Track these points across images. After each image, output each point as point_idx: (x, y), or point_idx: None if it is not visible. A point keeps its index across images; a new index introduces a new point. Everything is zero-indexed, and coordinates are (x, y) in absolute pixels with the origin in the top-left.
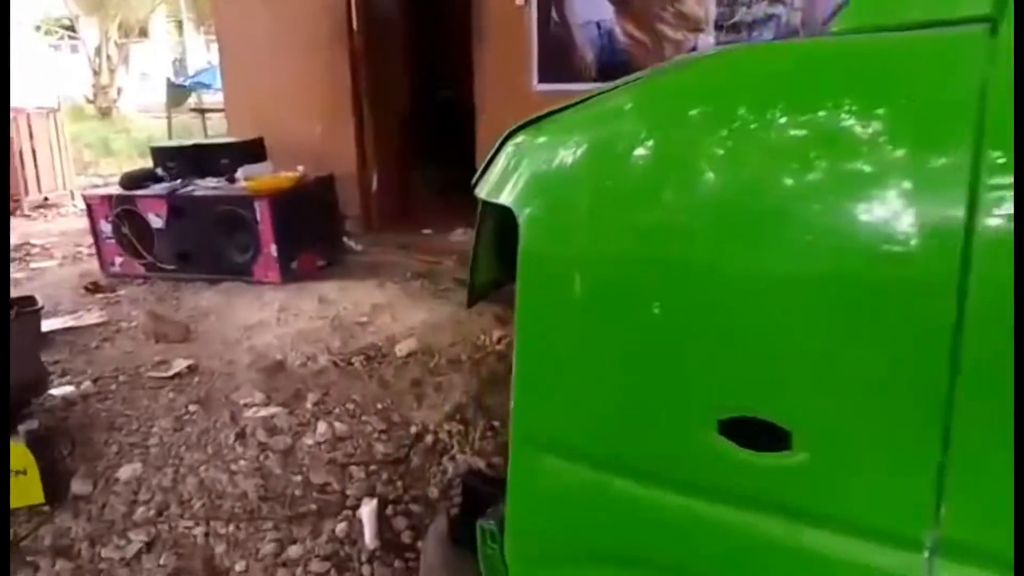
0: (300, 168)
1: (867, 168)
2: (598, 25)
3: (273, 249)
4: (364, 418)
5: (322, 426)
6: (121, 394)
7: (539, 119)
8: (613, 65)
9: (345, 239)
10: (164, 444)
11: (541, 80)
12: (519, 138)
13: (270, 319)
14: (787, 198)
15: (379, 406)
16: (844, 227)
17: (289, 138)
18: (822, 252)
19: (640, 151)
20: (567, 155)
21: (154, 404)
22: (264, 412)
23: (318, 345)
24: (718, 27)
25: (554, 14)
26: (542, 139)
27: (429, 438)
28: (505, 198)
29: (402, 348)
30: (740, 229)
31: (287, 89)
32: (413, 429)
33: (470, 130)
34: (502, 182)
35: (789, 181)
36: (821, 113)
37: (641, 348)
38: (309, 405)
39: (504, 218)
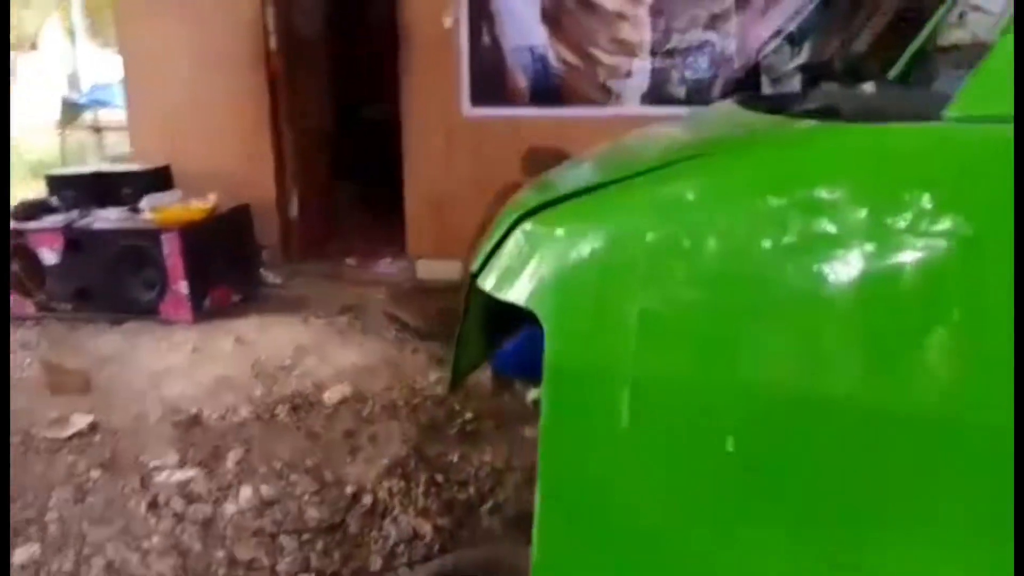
0: (212, 196)
1: None
2: (531, 50)
3: (183, 285)
4: (293, 478)
5: (246, 490)
6: (12, 460)
7: (548, 204)
8: (547, 90)
9: (262, 271)
10: (64, 519)
11: (474, 104)
12: (528, 226)
13: (181, 364)
14: (923, 327)
15: (309, 463)
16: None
17: (200, 163)
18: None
19: (719, 253)
20: (602, 251)
21: (51, 470)
22: (179, 475)
23: (237, 394)
24: (653, 53)
25: (485, 37)
26: (560, 230)
27: (367, 498)
28: (518, 295)
29: (331, 395)
30: (875, 356)
31: (198, 110)
32: (348, 489)
33: (397, 150)
34: (511, 275)
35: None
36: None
37: (710, 495)
38: (230, 465)
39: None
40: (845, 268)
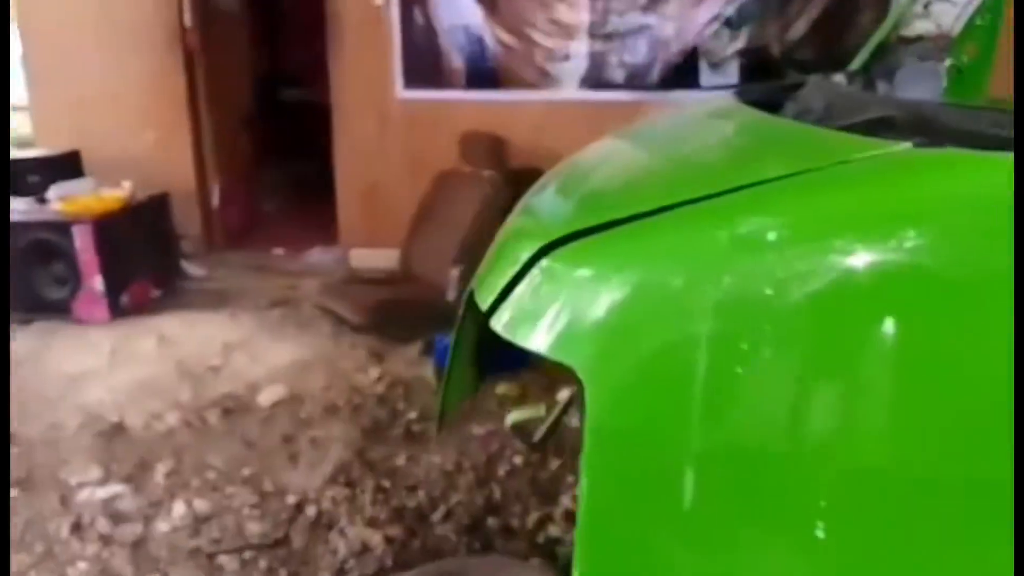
0: (126, 184)
1: None
2: (466, 30)
3: (97, 281)
4: (229, 490)
5: (179, 506)
6: None
7: (568, 238)
8: (484, 72)
9: (184, 263)
10: None
11: (407, 86)
12: (547, 262)
13: (100, 367)
14: None
15: (246, 472)
16: None
17: (112, 148)
18: None
19: (810, 307)
20: (655, 296)
21: None
22: (103, 492)
23: (163, 398)
24: (591, 35)
25: (418, 16)
26: (587, 270)
27: (311, 509)
28: (541, 343)
29: (266, 396)
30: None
31: (108, 90)
32: (291, 499)
33: (325, 133)
34: (530, 319)
35: None
36: None
37: None
38: (159, 479)
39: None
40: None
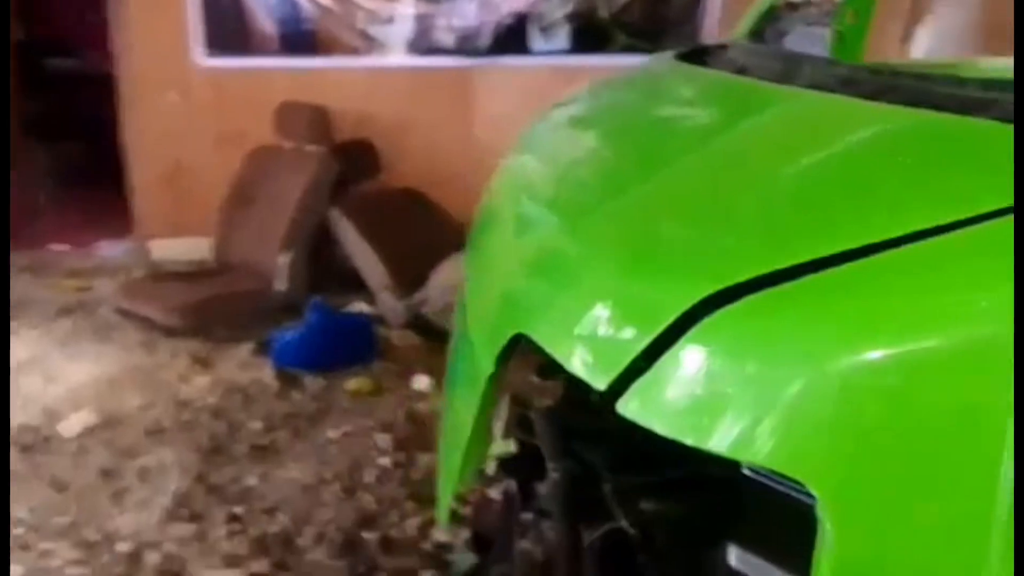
0: None
1: None
2: None
3: None
4: (44, 546)
5: None
6: None
7: (750, 286)
8: (299, 37)
9: None
10: None
11: (210, 53)
12: (717, 317)
13: None
14: None
15: (62, 521)
16: None
17: None
18: None
19: None
20: (938, 382)
21: None
22: None
23: None
24: None
25: None
26: (821, 342)
27: (152, 556)
28: (727, 442)
29: (71, 425)
30: None
31: None
32: (123, 547)
33: (107, 108)
34: (701, 406)
35: None
36: None
37: None
38: None
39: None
40: None
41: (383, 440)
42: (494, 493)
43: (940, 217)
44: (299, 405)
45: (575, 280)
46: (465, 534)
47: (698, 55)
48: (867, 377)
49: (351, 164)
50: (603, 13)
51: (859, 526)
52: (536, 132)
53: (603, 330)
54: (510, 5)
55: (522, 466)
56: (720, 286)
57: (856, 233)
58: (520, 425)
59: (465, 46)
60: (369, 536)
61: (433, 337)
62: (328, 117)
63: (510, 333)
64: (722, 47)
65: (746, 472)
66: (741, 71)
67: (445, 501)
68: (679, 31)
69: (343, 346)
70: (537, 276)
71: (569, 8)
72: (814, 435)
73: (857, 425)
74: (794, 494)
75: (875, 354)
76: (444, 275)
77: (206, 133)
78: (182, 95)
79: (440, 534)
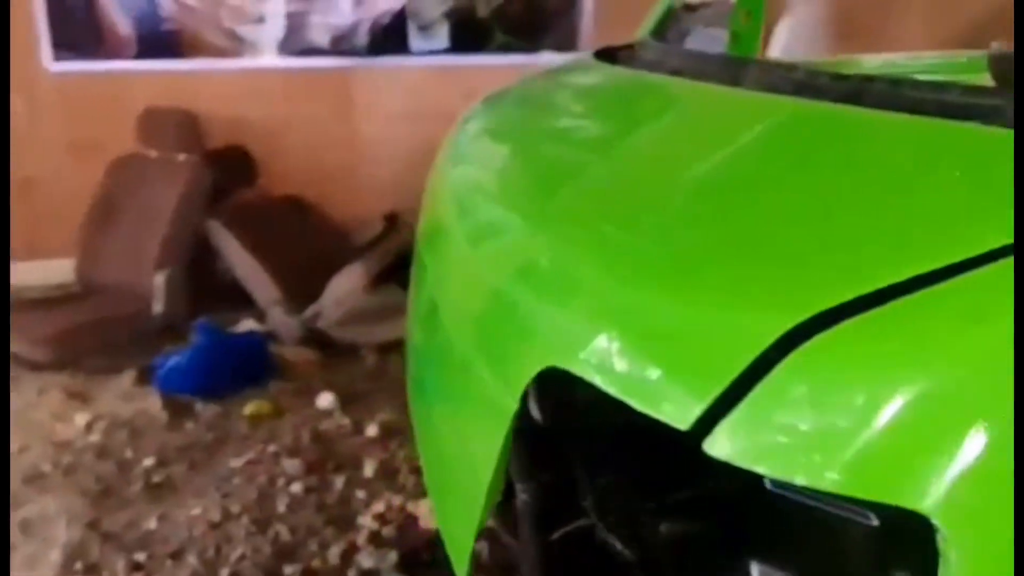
0: None
1: None
2: None
3: None
4: None
5: None
6: None
7: (842, 311)
8: (161, 38)
9: None
10: None
11: (58, 57)
12: (813, 345)
13: None
14: None
15: None
16: None
17: None
18: None
19: None
20: None
21: None
22: None
23: None
24: None
25: None
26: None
27: None
28: (844, 478)
29: None
30: None
31: None
32: None
33: None
34: (810, 442)
35: None
36: None
37: None
38: None
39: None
40: None
41: (291, 465)
42: (421, 509)
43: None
44: (193, 435)
45: (622, 310)
46: (392, 557)
47: (611, 56)
48: (995, 400)
49: (226, 172)
50: (482, 11)
51: (987, 559)
52: (475, 132)
53: (673, 364)
54: (386, 3)
55: None
56: (808, 313)
57: (942, 250)
58: None
59: (342, 45)
60: (290, 570)
61: (331, 351)
62: (197, 123)
63: (538, 367)
64: (629, 47)
65: (768, 487)
66: (677, 72)
67: (465, 550)
68: (557, 29)
69: (235, 368)
70: (564, 303)
71: (448, 6)
72: (941, 466)
73: (988, 454)
74: (826, 507)
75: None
76: (339, 286)
77: (56, 144)
78: (27, 103)
79: (365, 559)
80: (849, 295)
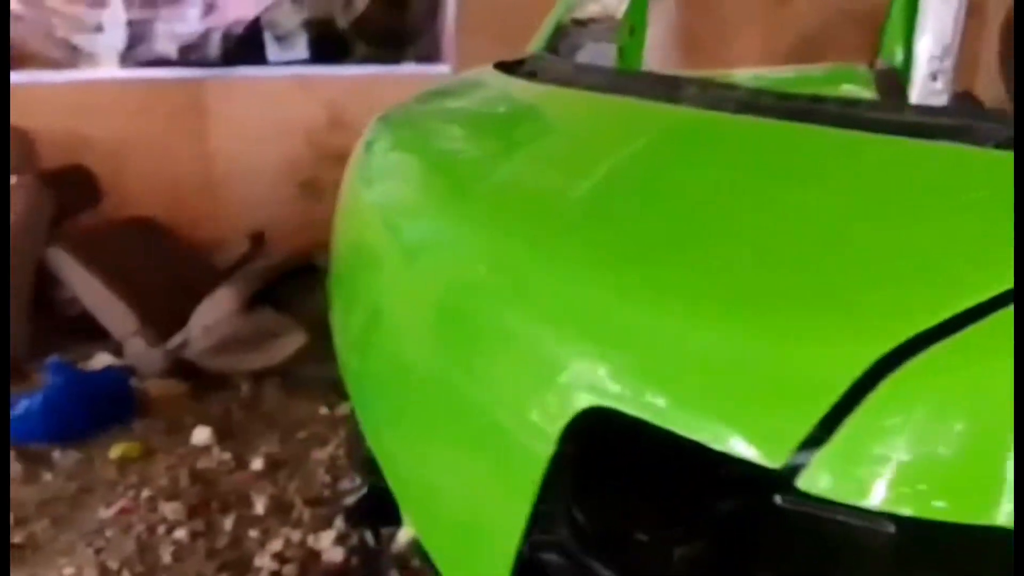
0: None
1: None
2: None
3: None
4: None
5: None
6: None
7: (930, 335)
8: None
9: None
10: None
11: None
12: (905, 373)
13: None
14: None
15: None
16: None
17: None
18: None
19: None
20: None
21: None
22: None
23: None
24: (127, 1)
25: None
26: None
27: None
28: (953, 506)
29: None
30: None
31: None
32: None
33: None
34: (914, 473)
35: None
36: None
37: None
38: None
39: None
40: None
41: (171, 509)
42: (322, 543)
43: None
44: (54, 487)
45: (681, 347)
46: None
47: (509, 69)
48: None
49: (65, 194)
50: (341, 22)
51: None
52: (384, 151)
53: (754, 402)
54: (238, 12)
55: (374, 511)
56: (895, 342)
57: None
58: (367, 466)
59: (192, 56)
60: None
61: (200, 382)
62: (31, 141)
63: (578, 407)
64: (521, 62)
65: (779, 502)
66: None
67: None
68: (419, 40)
69: (95, 408)
70: (609, 341)
71: (304, 16)
72: None
73: None
74: (845, 518)
75: None
76: (208, 312)
77: None
78: None
79: None
80: (931, 321)
